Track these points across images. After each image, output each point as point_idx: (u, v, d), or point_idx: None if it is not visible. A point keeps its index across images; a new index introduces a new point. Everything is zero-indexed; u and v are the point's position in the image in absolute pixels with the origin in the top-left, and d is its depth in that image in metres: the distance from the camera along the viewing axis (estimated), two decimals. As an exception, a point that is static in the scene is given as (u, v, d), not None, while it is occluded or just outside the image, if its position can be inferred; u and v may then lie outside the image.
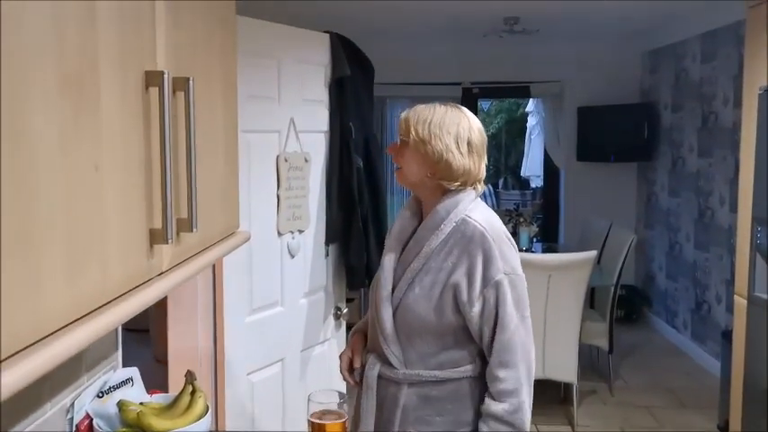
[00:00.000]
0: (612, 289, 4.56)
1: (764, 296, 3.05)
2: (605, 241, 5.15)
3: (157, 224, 1.01)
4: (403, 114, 1.86)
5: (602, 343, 4.59)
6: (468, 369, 1.81)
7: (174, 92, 1.10)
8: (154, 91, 0.99)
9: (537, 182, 9.45)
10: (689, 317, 5.50)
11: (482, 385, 1.81)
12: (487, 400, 1.76)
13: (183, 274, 1.15)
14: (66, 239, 0.76)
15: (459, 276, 1.75)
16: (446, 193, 1.81)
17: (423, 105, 1.85)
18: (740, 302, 3.27)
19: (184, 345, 2.46)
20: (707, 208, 5.17)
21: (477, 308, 1.74)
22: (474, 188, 1.83)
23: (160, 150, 1.00)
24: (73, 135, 0.77)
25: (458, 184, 1.79)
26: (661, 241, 6.07)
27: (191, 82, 1.09)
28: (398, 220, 1.92)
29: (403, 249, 1.86)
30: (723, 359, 3.97)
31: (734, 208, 4.09)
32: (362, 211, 2.96)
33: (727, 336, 3.82)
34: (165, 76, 0.98)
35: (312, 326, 2.89)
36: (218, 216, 1.38)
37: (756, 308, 3.10)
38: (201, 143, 1.26)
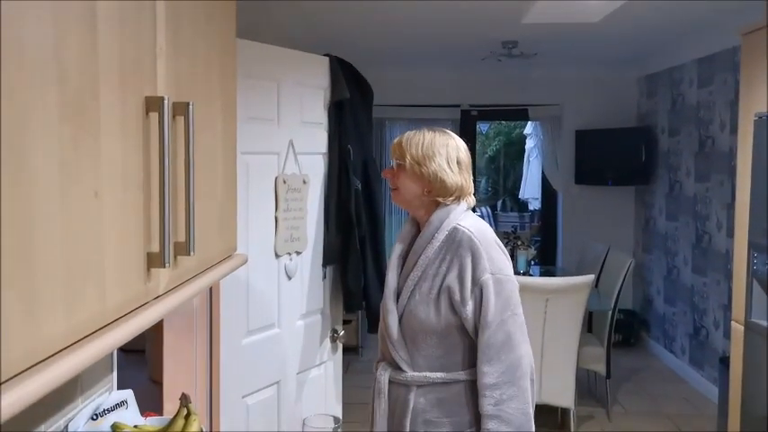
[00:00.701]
0: (610, 313, 4.55)
1: (761, 322, 3.05)
2: (603, 265, 5.16)
3: (155, 248, 1.02)
4: (395, 140, 2.05)
5: (600, 368, 4.58)
6: (472, 371, 1.92)
7: (173, 116, 1.11)
8: (154, 116, 1.00)
9: (535, 204, 9.46)
10: (687, 342, 5.49)
11: None
12: (478, 400, 1.88)
13: (179, 297, 1.16)
14: (64, 265, 0.77)
15: (452, 279, 1.90)
16: (439, 206, 1.97)
17: (412, 131, 2.04)
18: (737, 328, 3.27)
19: (180, 367, 2.45)
20: (704, 232, 5.18)
21: (469, 307, 1.88)
22: (465, 201, 2.00)
23: (159, 175, 1.01)
24: (73, 162, 0.78)
25: (452, 198, 1.97)
26: (659, 265, 6.07)
27: (190, 107, 1.10)
28: (400, 236, 2.09)
29: (404, 262, 2.02)
30: (721, 385, 3.95)
31: (731, 233, 4.09)
32: (360, 233, 2.96)
33: (724, 362, 3.81)
34: (165, 101, 0.99)
35: (308, 348, 2.88)
36: (216, 239, 1.39)
37: (753, 334, 3.10)
38: (200, 167, 1.27)
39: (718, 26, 4.47)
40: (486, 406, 1.84)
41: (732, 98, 4.65)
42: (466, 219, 1.96)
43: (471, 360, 1.92)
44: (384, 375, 2.01)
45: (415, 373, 1.94)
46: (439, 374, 1.93)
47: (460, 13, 4.09)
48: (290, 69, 2.70)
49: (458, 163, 1.97)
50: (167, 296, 1.11)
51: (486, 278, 1.87)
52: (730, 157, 4.67)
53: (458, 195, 1.97)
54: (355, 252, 2.94)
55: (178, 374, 2.47)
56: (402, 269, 2.02)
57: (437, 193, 1.95)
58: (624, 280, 4.60)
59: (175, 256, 1.13)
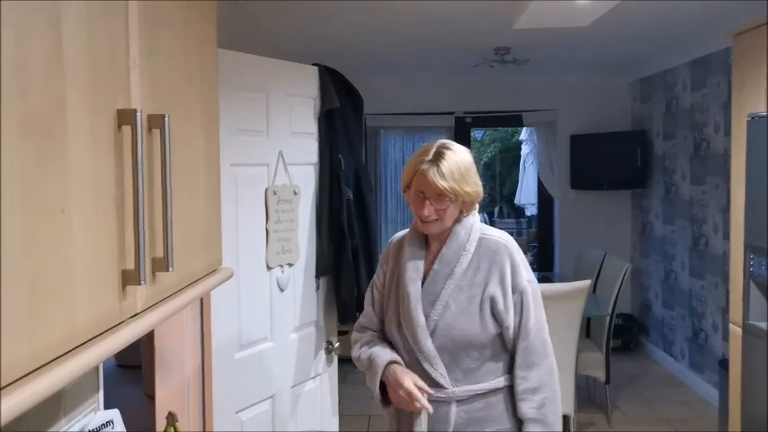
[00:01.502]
0: (608, 318, 4.52)
1: (760, 325, 3.02)
2: (600, 270, 5.13)
3: (130, 265, 0.99)
4: (442, 184, 1.87)
5: (599, 374, 4.54)
6: (509, 377, 1.94)
7: (149, 129, 1.08)
8: (127, 129, 0.97)
9: (532, 210, 9.44)
10: (686, 346, 5.45)
11: None
12: (517, 405, 1.90)
13: (160, 315, 1.13)
14: (27, 284, 0.74)
15: (494, 287, 1.90)
16: (460, 217, 1.96)
17: (443, 159, 1.88)
18: (735, 331, 3.24)
19: (172, 382, 2.42)
20: (701, 235, 5.16)
21: (511, 314, 1.91)
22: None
23: (133, 190, 0.98)
24: (36, 179, 0.75)
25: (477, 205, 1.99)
26: (657, 269, 6.04)
27: (166, 119, 1.08)
28: (408, 254, 2.00)
29: (424, 278, 1.96)
30: (721, 388, 3.92)
31: (728, 235, 4.07)
32: (353, 243, 2.94)
33: (724, 364, 3.78)
34: (138, 114, 0.96)
35: (303, 361, 2.85)
36: (199, 253, 1.35)
37: (752, 337, 3.07)
38: (181, 179, 1.24)
39: (710, 28, 4.46)
40: (529, 410, 1.88)
41: (725, 100, 4.64)
42: (486, 228, 2.00)
43: (507, 366, 1.95)
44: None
45: (456, 388, 1.91)
46: (480, 385, 1.92)
47: (452, 21, 4.07)
48: (279, 80, 2.68)
49: (476, 172, 1.98)
50: (146, 314, 1.08)
51: (525, 286, 1.92)
52: (725, 159, 4.65)
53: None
54: (348, 263, 2.91)
55: (170, 391, 2.44)
56: (423, 283, 1.96)
57: (469, 208, 1.96)
58: (621, 285, 4.57)
59: (153, 273, 1.10)
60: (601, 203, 6.64)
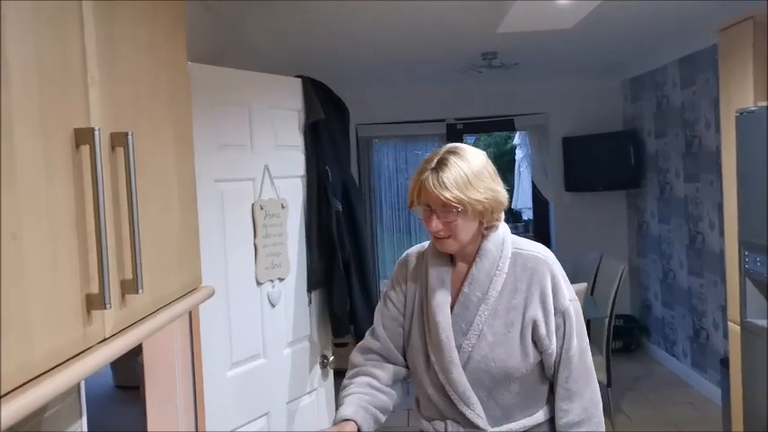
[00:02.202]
0: (607, 320, 4.48)
1: (757, 322, 2.99)
2: (597, 272, 5.09)
3: (95, 289, 0.95)
4: (443, 194, 1.64)
5: (601, 377, 4.49)
6: (547, 410, 1.76)
7: (113, 148, 1.06)
8: (85, 149, 0.94)
9: (528, 214, 9.40)
10: (688, 345, 5.41)
11: None
12: None
13: (132, 338, 1.09)
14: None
15: (535, 309, 1.69)
16: (487, 231, 1.74)
17: (445, 167, 1.66)
18: (734, 329, 3.20)
19: (163, 404, 2.38)
20: (697, 233, 5.13)
21: (554, 338, 1.70)
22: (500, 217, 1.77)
23: (94, 211, 0.95)
24: (-21, 204, 0.72)
25: (501, 215, 1.75)
26: (655, 269, 6.01)
27: (129, 137, 1.05)
28: (434, 275, 1.76)
29: (452, 302, 1.75)
30: (724, 387, 3.88)
31: (724, 232, 4.04)
32: (344, 255, 2.90)
33: (725, 363, 3.74)
34: (97, 132, 0.94)
35: (297, 377, 2.81)
36: (175, 273, 1.32)
37: (750, 334, 3.03)
38: (151, 198, 1.21)
39: (696, 25, 4.44)
40: None
41: (715, 96, 4.62)
42: (519, 241, 1.78)
43: (544, 398, 1.77)
44: None
45: (496, 429, 1.70)
46: (521, 422, 1.72)
47: (436, 28, 4.06)
48: (262, 93, 2.65)
49: (495, 173, 1.73)
50: (116, 338, 1.05)
51: (568, 306, 1.71)
52: (718, 155, 4.62)
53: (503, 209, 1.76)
54: (340, 275, 2.88)
55: (162, 412, 2.40)
56: (452, 308, 1.73)
57: (491, 218, 1.72)
58: (618, 286, 4.53)
59: (123, 296, 1.07)
60: (596, 205, 6.62)
